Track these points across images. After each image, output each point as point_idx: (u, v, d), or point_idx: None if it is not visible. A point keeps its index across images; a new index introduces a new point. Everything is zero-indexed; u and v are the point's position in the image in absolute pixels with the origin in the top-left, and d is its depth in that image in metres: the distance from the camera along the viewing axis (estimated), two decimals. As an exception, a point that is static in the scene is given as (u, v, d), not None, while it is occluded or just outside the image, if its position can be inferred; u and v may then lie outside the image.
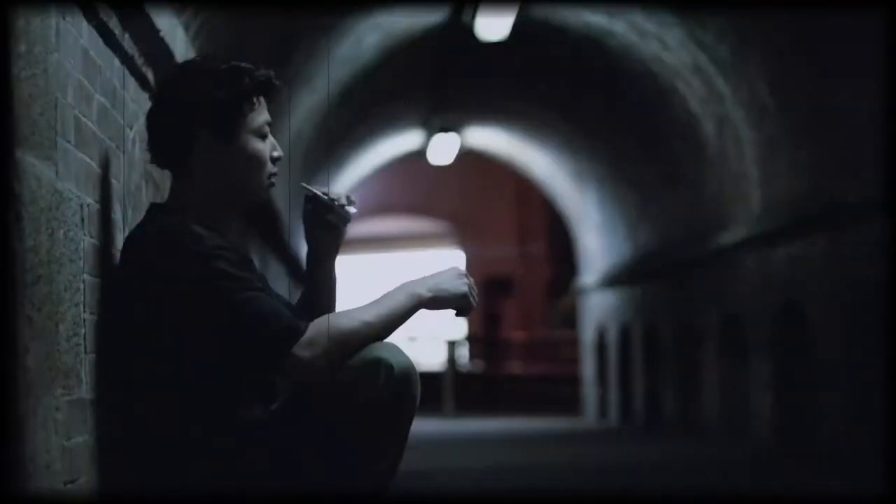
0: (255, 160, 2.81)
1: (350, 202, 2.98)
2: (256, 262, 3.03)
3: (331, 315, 2.72)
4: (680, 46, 8.73)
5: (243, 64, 2.82)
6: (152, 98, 2.90)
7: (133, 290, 2.69)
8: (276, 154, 2.85)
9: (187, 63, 2.91)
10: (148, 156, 2.86)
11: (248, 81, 2.79)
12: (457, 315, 2.89)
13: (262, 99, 2.84)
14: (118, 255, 2.97)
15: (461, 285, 2.84)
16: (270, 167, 2.84)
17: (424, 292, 2.80)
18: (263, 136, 2.83)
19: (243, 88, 2.79)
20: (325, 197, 2.95)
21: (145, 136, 2.87)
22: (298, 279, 11.44)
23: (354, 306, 2.77)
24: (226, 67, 2.79)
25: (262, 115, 2.83)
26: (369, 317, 2.72)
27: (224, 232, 2.78)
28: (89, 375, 2.67)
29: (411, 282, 2.83)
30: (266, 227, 8.18)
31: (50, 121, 2.39)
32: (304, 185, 3.05)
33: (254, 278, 2.72)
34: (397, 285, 2.83)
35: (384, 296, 2.79)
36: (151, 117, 2.84)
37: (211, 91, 2.76)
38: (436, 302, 2.82)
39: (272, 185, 2.88)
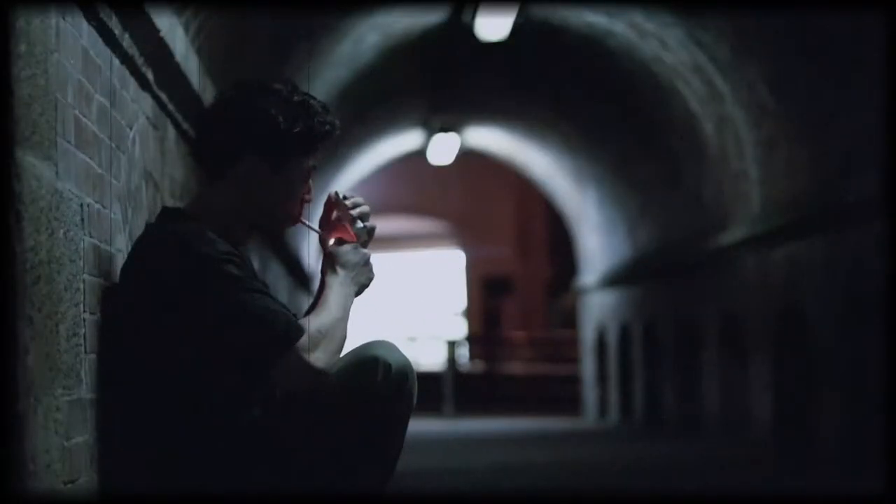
0: (289, 198, 2.82)
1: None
2: (256, 263, 3.04)
3: (312, 317, 2.73)
4: (680, 46, 8.73)
5: (314, 101, 2.81)
6: (218, 98, 2.89)
7: (139, 289, 2.69)
8: (308, 198, 2.86)
9: (263, 81, 2.87)
10: (192, 145, 2.86)
11: (317, 127, 2.79)
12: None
13: (321, 147, 2.83)
14: (118, 255, 2.98)
15: (372, 275, 2.90)
16: (297, 208, 2.85)
17: (355, 286, 2.85)
18: (306, 179, 2.83)
19: (311, 132, 2.79)
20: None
21: (147, 138, 2.86)
22: (298, 279, 11.44)
23: (319, 303, 2.80)
24: (298, 100, 2.79)
25: (311, 160, 2.83)
26: (339, 312, 2.76)
27: (235, 244, 2.78)
28: (89, 375, 2.67)
29: (341, 273, 2.84)
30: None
31: (50, 121, 2.39)
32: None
33: (261, 285, 2.72)
34: (334, 278, 2.83)
35: (332, 292, 2.80)
36: (210, 118, 2.84)
37: (280, 121, 2.76)
38: (357, 293, 2.90)
39: (294, 224, 2.88)
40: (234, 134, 2.77)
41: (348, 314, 2.79)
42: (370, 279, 2.89)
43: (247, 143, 2.76)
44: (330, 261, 2.86)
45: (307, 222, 2.96)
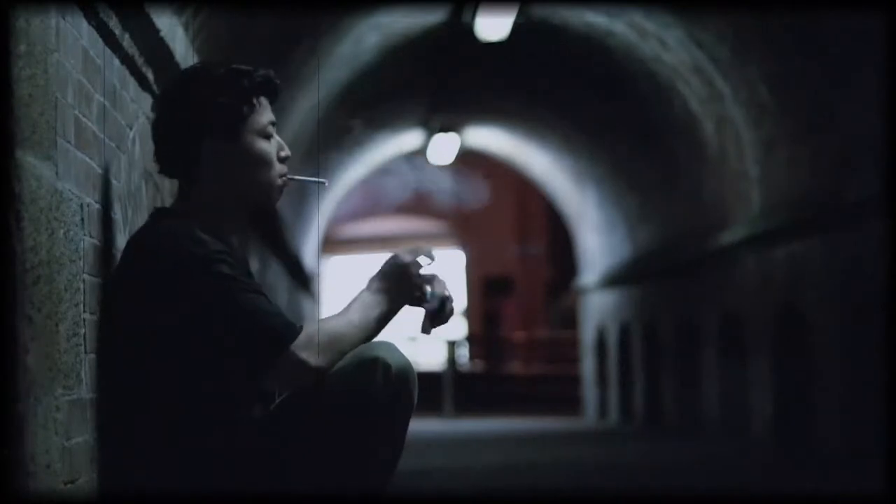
0: (262, 161, 2.80)
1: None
2: (256, 263, 3.04)
3: (323, 318, 2.73)
4: (680, 46, 8.73)
5: (241, 66, 2.81)
6: (155, 108, 2.89)
7: (134, 291, 2.69)
8: (283, 154, 2.84)
9: (186, 70, 2.91)
10: (156, 166, 2.85)
11: (247, 83, 2.78)
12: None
13: (262, 99, 2.82)
14: (118, 255, 2.97)
15: (410, 285, 2.79)
16: (279, 167, 2.83)
17: (390, 298, 2.78)
18: (268, 137, 2.82)
19: (242, 91, 2.78)
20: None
21: (146, 138, 2.87)
22: (298, 279, 11.44)
23: (341, 308, 2.77)
24: (224, 71, 2.79)
25: (264, 116, 2.81)
26: (356, 318, 2.73)
27: (227, 239, 2.78)
28: (89, 375, 2.67)
29: (379, 282, 2.79)
30: (266, 226, 8.19)
31: (50, 121, 2.39)
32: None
33: (254, 282, 2.72)
34: (371, 282, 2.79)
35: (361, 297, 2.77)
36: (155, 127, 2.84)
37: (210, 96, 2.75)
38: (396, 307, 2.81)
39: (284, 184, 2.86)
40: (179, 133, 2.77)
41: (370, 324, 2.73)
42: (411, 293, 2.79)
43: (193, 134, 2.76)
44: (384, 269, 2.81)
45: (298, 176, 2.93)
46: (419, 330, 2.86)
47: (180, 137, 2.77)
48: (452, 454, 9.56)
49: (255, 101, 2.80)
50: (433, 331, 2.84)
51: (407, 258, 2.80)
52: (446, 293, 2.83)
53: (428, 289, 2.82)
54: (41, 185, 2.32)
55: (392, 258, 2.82)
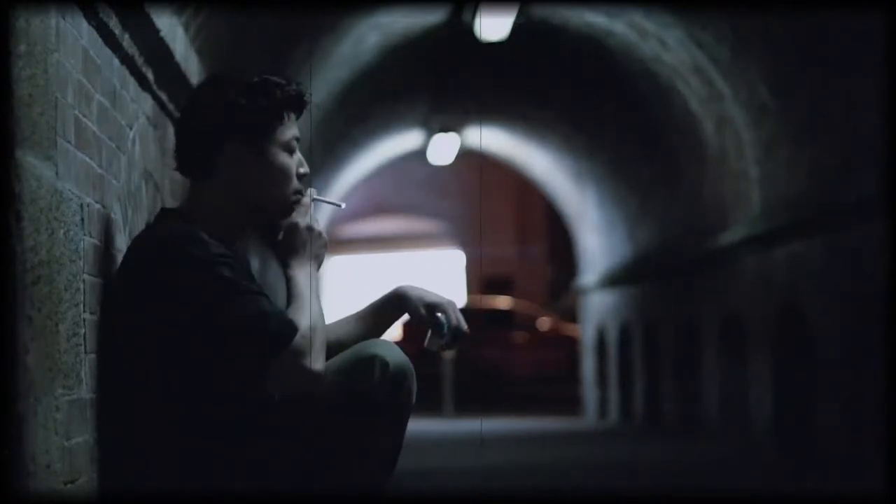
0: (281, 173, 2.80)
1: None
2: (257, 263, 3.04)
3: (296, 315, 2.72)
4: (680, 46, 8.73)
5: (275, 78, 2.81)
6: (184, 104, 2.89)
7: (135, 291, 2.69)
8: (302, 170, 2.84)
9: (221, 74, 2.90)
10: (174, 162, 2.85)
11: (280, 95, 2.79)
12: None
13: (291, 114, 2.83)
14: (118, 255, 2.98)
15: (325, 242, 2.89)
16: (296, 183, 2.83)
17: (315, 263, 2.86)
18: (291, 151, 2.82)
19: (274, 101, 2.78)
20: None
21: (147, 138, 2.87)
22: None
23: (295, 302, 2.78)
24: (258, 80, 2.79)
25: (290, 130, 2.82)
26: (314, 299, 2.76)
27: (231, 244, 2.77)
28: (89, 375, 2.67)
29: (300, 254, 2.84)
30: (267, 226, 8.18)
31: (50, 121, 2.39)
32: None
33: (254, 284, 2.72)
34: (293, 260, 2.83)
35: (299, 279, 2.80)
36: (180, 124, 2.84)
37: (241, 102, 2.76)
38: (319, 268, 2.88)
39: (297, 201, 2.85)
40: (204, 132, 2.77)
41: (319, 296, 2.79)
42: (325, 248, 2.87)
43: (218, 136, 2.76)
44: (282, 245, 2.85)
45: (319, 197, 2.94)
46: (425, 345, 2.89)
47: (203, 136, 2.77)
48: (452, 454, 9.56)
49: (284, 114, 2.80)
50: (443, 352, 2.91)
51: (298, 220, 2.84)
52: (461, 326, 2.87)
53: (441, 317, 2.86)
54: (41, 185, 2.32)
55: (289, 226, 2.84)
